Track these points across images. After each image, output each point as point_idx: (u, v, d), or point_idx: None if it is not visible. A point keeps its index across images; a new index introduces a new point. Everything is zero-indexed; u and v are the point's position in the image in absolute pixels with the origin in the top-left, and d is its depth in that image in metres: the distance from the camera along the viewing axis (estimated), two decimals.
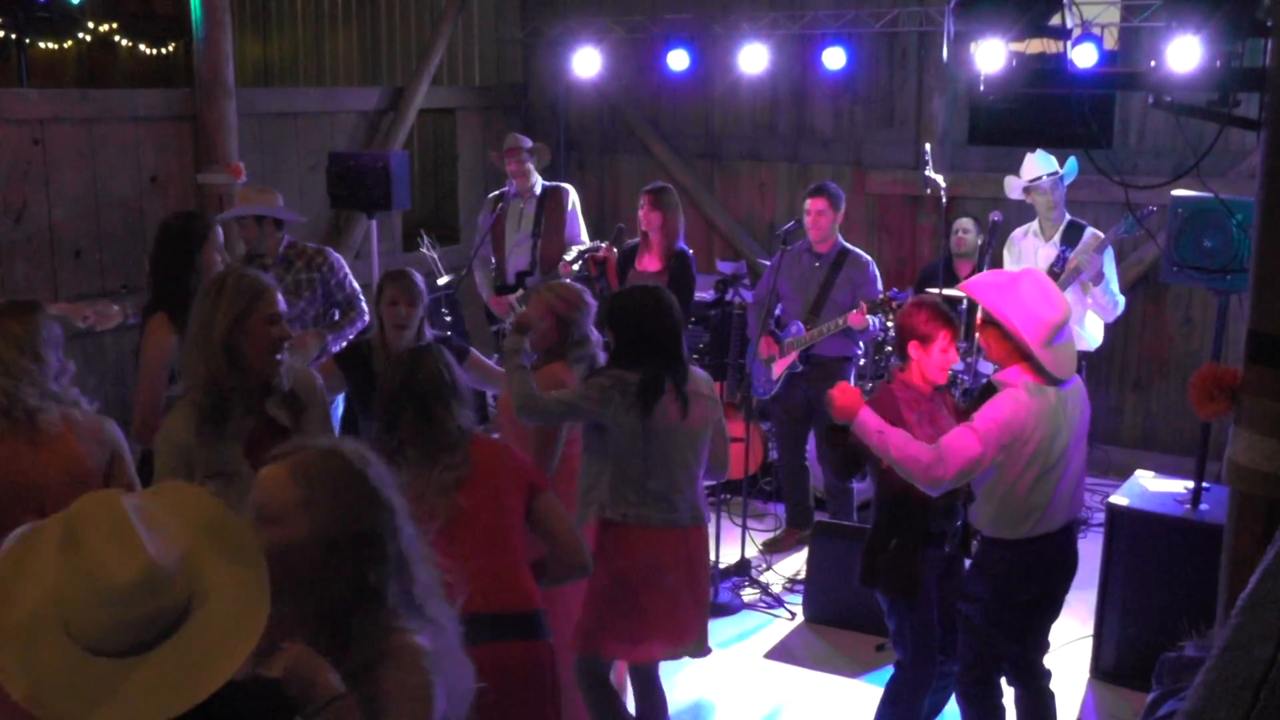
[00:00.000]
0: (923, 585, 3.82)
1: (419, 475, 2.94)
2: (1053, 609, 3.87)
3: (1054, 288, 3.75)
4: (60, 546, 1.59)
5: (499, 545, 2.98)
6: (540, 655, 2.96)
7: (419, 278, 4.34)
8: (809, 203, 5.81)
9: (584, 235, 6.62)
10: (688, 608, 3.77)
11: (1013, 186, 5.65)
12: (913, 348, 3.87)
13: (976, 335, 5.41)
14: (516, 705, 2.82)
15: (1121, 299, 5.42)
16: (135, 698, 1.55)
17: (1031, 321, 3.55)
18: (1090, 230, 5.44)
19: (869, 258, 5.89)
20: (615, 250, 6.05)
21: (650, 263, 6.08)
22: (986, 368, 5.58)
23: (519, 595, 2.97)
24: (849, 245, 5.92)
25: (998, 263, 5.79)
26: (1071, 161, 5.51)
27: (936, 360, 3.85)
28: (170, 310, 4.08)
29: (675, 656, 3.90)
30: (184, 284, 4.14)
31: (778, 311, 5.99)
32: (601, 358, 3.99)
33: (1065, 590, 3.85)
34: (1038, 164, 5.50)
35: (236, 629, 1.63)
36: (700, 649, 3.85)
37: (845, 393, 3.66)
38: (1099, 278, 5.23)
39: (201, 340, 3.08)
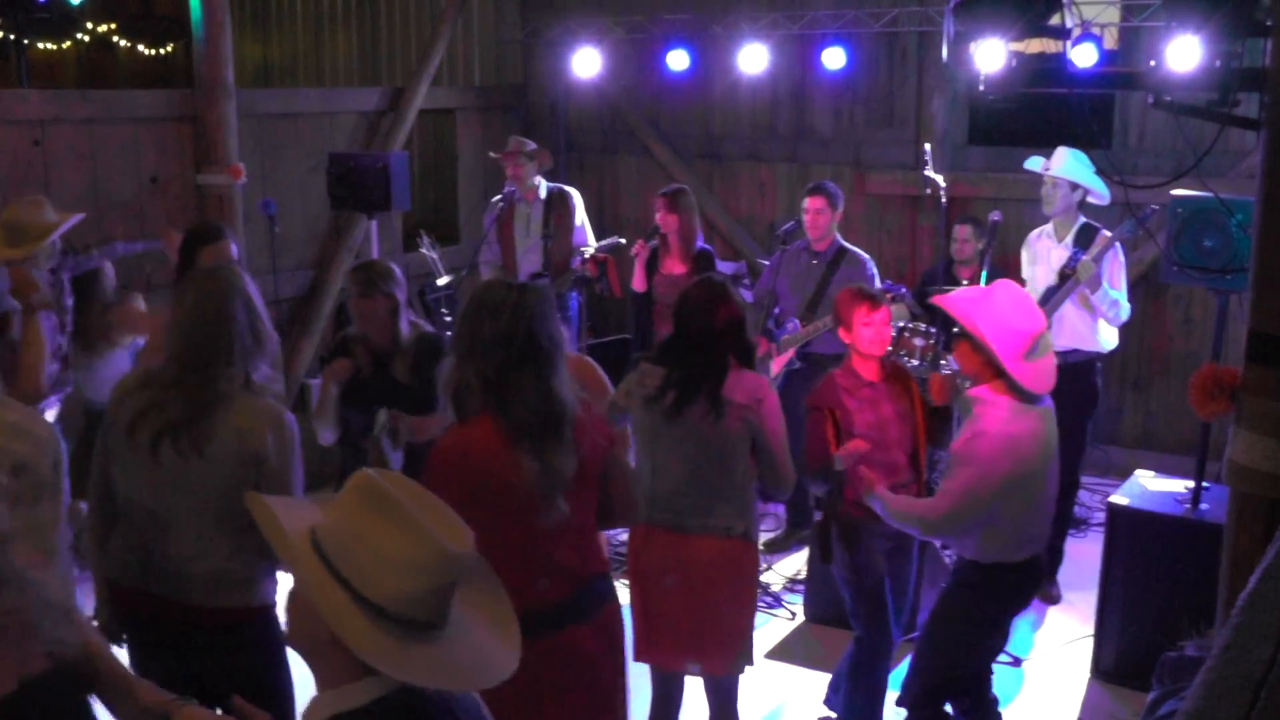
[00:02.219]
0: (855, 555, 3.94)
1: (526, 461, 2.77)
2: (1009, 629, 3.89)
3: (1030, 300, 3.69)
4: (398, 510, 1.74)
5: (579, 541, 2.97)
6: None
7: (395, 271, 4.17)
8: (807, 201, 5.82)
9: (590, 239, 6.64)
10: (691, 623, 3.57)
11: (1036, 164, 5.61)
12: (842, 334, 4.04)
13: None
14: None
15: (1126, 304, 5.37)
16: (423, 668, 1.73)
17: (1006, 333, 3.49)
18: (1103, 232, 5.41)
19: (867, 256, 5.90)
20: (648, 246, 6.12)
21: (674, 265, 6.11)
22: None
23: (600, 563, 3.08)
24: (847, 244, 5.93)
25: (1009, 264, 5.77)
26: (1102, 185, 5.42)
27: (862, 336, 3.97)
28: None
29: (683, 669, 3.72)
30: None
31: (776, 311, 5.99)
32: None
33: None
34: (1057, 161, 5.44)
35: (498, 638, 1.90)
36: (720, 667, 3.66)
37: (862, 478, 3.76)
38: (1095, 284, 5.22)
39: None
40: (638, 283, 6.17)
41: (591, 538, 3.02)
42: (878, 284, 5.77)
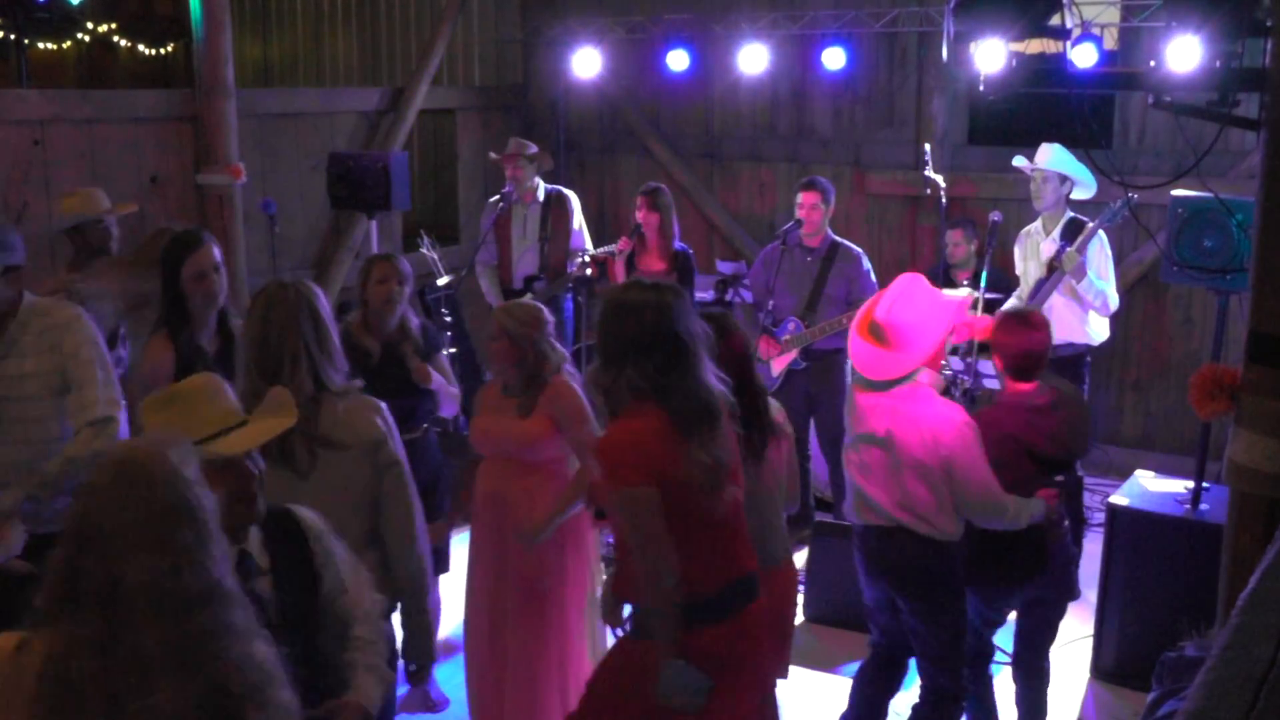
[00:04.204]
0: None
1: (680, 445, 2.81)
2: (889, 612, 3.91)
3: (914, 288, 3.68)
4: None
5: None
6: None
7: (403, 261, 4.41)
8: (802, 196, 5.83)
9: (588, 243, 6.64)
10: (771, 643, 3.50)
11: (1021, 162, 5.65)
12: (996, 362, 3.90)
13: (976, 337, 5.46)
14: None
15: (1114, 295, 5.40)
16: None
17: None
18: (1087, 223, 5.46)
19: (860, 250, 5.92)
20: (631, 243, 6.16)
21: (652, 262, 6.13)
22: (986, 367, 5.59)
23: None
24: (839, 238, 5.94)
25: (1009, 264, 5.79)
26: (1089, 177, 5.45)
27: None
28: (169, 327, 3.81)
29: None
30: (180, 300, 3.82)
31: (770, 306, 5.99)
32: (569, 369, 3.84)
33: (905, 601, 3.77)
34: (1043, 155, 5.48)
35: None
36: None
37: None
38: (1080, 274, 5.25)
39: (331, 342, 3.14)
40: (616, 277, 6.18)
41: (745, 532, 3.03)
42: (873, 278, 5.79)
